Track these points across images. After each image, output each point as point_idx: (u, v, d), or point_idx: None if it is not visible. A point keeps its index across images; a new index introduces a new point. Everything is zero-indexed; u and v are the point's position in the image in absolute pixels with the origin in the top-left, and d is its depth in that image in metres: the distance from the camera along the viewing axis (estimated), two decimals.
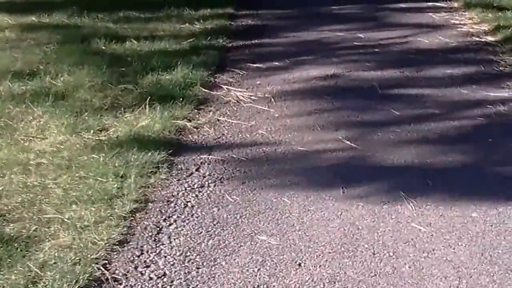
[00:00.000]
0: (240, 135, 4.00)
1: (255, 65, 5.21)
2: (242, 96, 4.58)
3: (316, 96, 4.56)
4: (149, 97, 4.36)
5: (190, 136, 3.99)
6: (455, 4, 6.91)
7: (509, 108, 4.26)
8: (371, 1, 7.12)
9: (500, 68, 5.00)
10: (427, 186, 3.34)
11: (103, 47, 5.47)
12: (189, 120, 4.17)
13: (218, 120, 4.21)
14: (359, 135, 3.94)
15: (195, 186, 3.39)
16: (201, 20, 6.30)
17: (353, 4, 7.03)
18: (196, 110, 4.34)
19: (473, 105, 4.37)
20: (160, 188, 3.35)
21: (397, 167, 3.57)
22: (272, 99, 4.52)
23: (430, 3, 7.00)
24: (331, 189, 3.31)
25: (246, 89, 4.72)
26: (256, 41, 5.85)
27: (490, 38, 5.74)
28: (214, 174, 3.52)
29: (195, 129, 4.07)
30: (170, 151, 3.74)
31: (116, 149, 3.62)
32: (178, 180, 3.44)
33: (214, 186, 3.39)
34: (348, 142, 3.85)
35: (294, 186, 3.37)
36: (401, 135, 3.93)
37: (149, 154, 3.62)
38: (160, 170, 3.51)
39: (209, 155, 3.74)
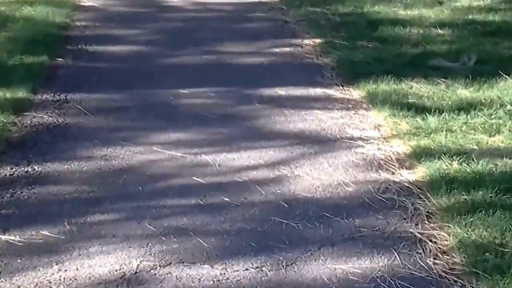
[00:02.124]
0: None
1: (4, 237, 2.90)
2: None
3: None
4: None
5: None
6: (355, 95, 4.82)
7: None
8: (236, 82, 4.94)
9: (436, 269, 2.89)
10: None
11: None
12: None
13: None
14: None
15: None
16: None
17: (210, 85, 4.83)
18: None
19: None
20: None
21: None
22: None
23: (318, 90, 4.91)
24: None
25: None
26: (37, 166, 3.58)
27: (409, 176, 3.67)
28: None
29: None
30: None
31: None
32: None
33: None
34: None
35: None
36: None
37: None
38: None
39: None
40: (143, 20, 6.46)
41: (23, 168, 3.55)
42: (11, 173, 3.50)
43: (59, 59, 5.24)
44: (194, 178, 3.54)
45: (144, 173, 3.58)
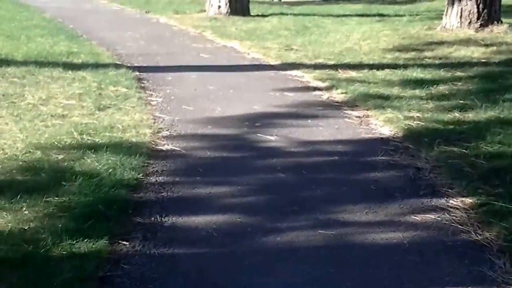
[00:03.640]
0: None
1: None
2: None
3: None
4: None
5: None
6: None
7: None
8: (371, 285, 3.36)
9: None
10: None
11: None
12: None
13: None
14: None
15: None
16: None
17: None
18: None
19: None
20: None
21: None
22: None
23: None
24: None
25: None
26: None
27: None
28: None
29: None
30: None
31: None
32: None
33: None
34: None
35: None
36: None
37: None
38: None
39: None
40: (235, 170, 5.03)
41: None
42: None
43: (124, 242, 3.82)
44: None
45: None
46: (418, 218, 4.24)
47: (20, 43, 10.39)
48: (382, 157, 5.29)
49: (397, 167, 5.10)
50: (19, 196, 4.33)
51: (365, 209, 4.34)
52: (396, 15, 13.78)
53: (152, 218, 4.17)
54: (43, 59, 8.93)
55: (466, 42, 10.10)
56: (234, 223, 4.16)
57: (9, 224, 3.99)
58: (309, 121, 6.28)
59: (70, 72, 8.13)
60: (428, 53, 9.59)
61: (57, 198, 4.34)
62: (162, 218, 4.18)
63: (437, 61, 8.99)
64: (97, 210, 4.11)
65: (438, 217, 4.25)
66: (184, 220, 4.16)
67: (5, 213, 4.14)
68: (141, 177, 4.79)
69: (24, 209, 4.18)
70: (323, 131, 5.96)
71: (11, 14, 14.79)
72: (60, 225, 3.93)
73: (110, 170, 4.78)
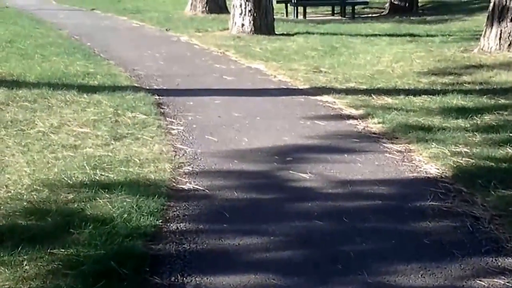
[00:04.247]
0: None
1: None
2: None
3: None
4: None
5: None
6: None
7: None
8: None
9: None
10: None
11: None
12: None
13: None
14: None
15: None
16: None
17: None
18: None
19: None
20: None
21: None
22: None
23: None
24: None
25: None
26: None
27: None
28: None
29: None
30: None
31: None
32: None
33: None
34: None
35: None
36: None
37: None
38: None
39: None
40: (266, 215, 4.43)
41: None
42: None
43: None
44: None
45: None
46: (484, 283, 3.62)
47: (34, 62, 9.88)
48: (432, 202, 4.67)
49: (451, 215, 4.47)
50: (20, 246, 3.75)
51: (420, 270, 3.72)
52: (427, 35, 13.16)
53: (173, 278, 3.59)
54: (57, 80, 8.39)
55: (507, 65, 9.47)
56: (268, 285, 3.55)
57: (7, 283, 3.41)
58: (345, 155, 5.66)
59: (85, 95, 7.57)
60: (466, 78, 8.96)
61: (63, 250, 3.77)
62: (184, 278, 3.59)
63: (477, 87, 8.36)
64: (109, 266, 3.52)
65: (507, 282, 3.63)
66: (209, 281, 3.57)
67: (3, 268, 3.58)
68: (160, 223, 4.21)
69: (25, 263, 3.63)
70: (362, 168, 5.34)
71: (27, 31, 14.32)
72: (65, 287, 3.33)
73: (125, 215, 4.21)
